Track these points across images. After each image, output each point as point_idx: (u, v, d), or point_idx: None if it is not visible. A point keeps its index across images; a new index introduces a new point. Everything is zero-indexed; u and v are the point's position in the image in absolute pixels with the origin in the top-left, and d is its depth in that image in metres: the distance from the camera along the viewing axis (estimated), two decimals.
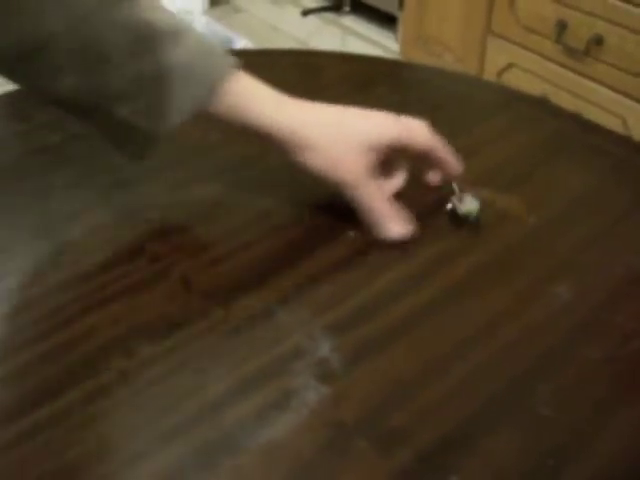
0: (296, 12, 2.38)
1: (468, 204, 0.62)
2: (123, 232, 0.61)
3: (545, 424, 0.47)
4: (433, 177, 0.63)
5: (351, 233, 0.60)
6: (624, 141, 0.77)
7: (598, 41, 1.58)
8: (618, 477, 0.44)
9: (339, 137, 0.58)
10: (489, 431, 0.46)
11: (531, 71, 1.76)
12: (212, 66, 0.57)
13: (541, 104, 0.83)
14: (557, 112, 0.83)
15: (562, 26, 1.64)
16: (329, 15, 2.29)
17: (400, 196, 0.63)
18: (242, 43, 1.39)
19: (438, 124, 0.63)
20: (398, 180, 0.63)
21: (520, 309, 0.55)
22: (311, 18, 2.29)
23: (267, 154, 0.69)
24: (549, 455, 0.45)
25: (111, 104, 0.55)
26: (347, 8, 2.23)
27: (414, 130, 0.60)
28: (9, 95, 0.82)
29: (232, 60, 0.58)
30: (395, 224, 0.59)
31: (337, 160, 0.58)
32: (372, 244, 0.60)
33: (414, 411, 0.47)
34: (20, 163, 0.71)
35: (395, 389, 0.48)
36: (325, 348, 0.50)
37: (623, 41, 1.54)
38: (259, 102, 0.58)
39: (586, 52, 1.61)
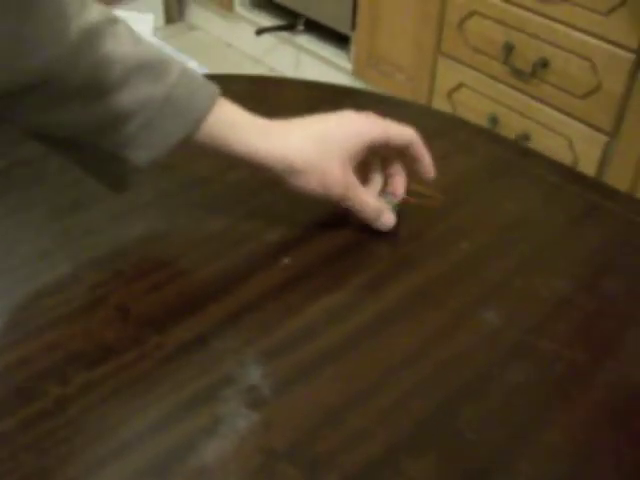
0: (251, 30, 2.39)
1: (387, 200, 0.64)
2: (61, 259, 0.61)
3: (469, 447, 0.48)
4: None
5: (285, 260, 0.62)
6: (559, 168, 0.79)
7: (544, 64, 1.61)
8: None
9: (325, 154, 0.59)
10: (415, 455, 0.47)
11: (480, 91, 1.78)
12: (196, 96, 0.57)
13: (480, 131, 0.85)
14: (495, 139, 0.85)
15: (509, 48, 1.66)
16: (283, 34, 2.30)
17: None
18: (191, 65, 1.39)
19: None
20: (379, 176, 0.65)
21: (449, 334, 0.56)
22: (265, 37, 2.30)
23: (204, 181, 0.71)
24: (472, 478, 0.46)
25: (96, 136, 0.56)
26: (301, 27, 2.24)
27: (392, 128, 0.62)
28: None
29: (215, 89, 0.59)
30: (386, 216, 0.62)
31: (326, 177, 0.59)
32: (306, 271, 0.61)
33: (342, 436, 0.48)
34: None
35: (324, 415, 0.49)
36: (256, 375, 0.51)
37: (567, 64, 1.57)
38: (244, 131, 0.59)
39: (532, 74, 1.64)
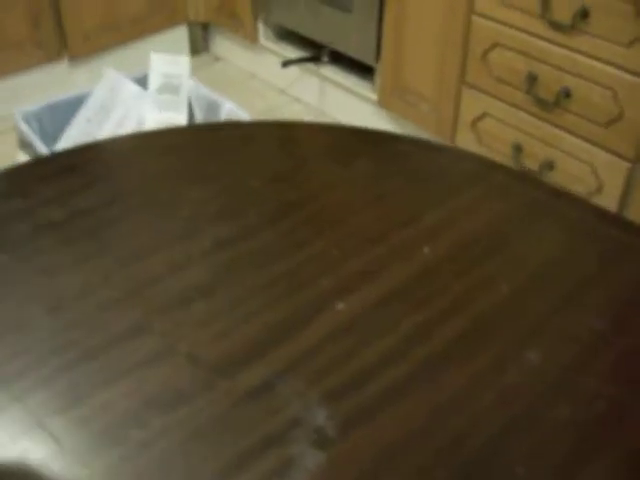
0: (275, 61, 2.45)
1: None
2: (130, 307, 0.66)
3: None
4: None
5: (339, 305, 0.66)
6: (592, 209, 0.83)
7: (567, 93, 1.65)
8: None
9: None
10: None
11: (504, 120, 1.82)
12: None
13: (515, 174, 0.89)
14: (530, 181, 0.90)
15: (532, 79, 1.71)
16: (308, 65, 2.36)
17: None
18: (227, 107, 1.44)
19: (416, 197, 0.69)
20: None
21: (494, 374, 0.60)
22: (290, 68, 2.36)
23: (258, 229, 0.75)
24: None
25: None
26: (326, 59, 2.29)
27: None
28: (7, 172, 0.88)
29: None
30: None
31: None
32: (358, 316, 0.65)
33: (402, 475, 0.52)
34: (29, 240, 0.76)
35: (385, 454, 0.54)
36: (321, 417, 0.56)
37: (590, 93, 1.62)
38: None
39: (556, 103, 1.68)
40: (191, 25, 2.76)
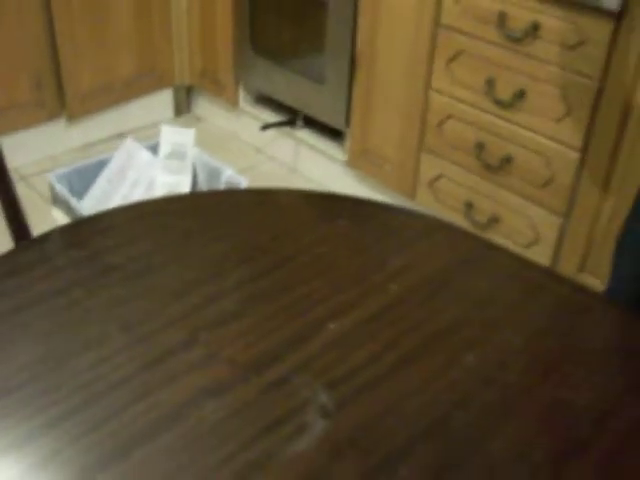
0: (253, 123, 2.72)
1: None
2: (180, 328, 0.92)
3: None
4: None
5: (331, 325, 0.93)
6: (515, 256, 1.10)
7: (508, 159, 1.95)
8: None
9: None
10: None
11: (457, 181, 2.11)
12: None
13: (456, 230, 1.17)
14: (467, 236, 1.17)
15: (480, 146, 2.00)
16: (285, 128, 2.64)
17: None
18: (227, 173, 1.71)
19: (381, 248, 0.97)
20: None
21: (443, 370, 0.87)
22: (269, 130, 2.64)
23: (268, 273, 1.02)
24: None
25: None
26: (301, 123, 2.57)
27: None
28: (66, 228, 1.13)
29: None
30: None
31: None
32: (346, 332, 0.92)
33: (381, 434, 0.79)
34: (96, 278, 1.02)
35: (368, 422, 0.80)
36: (324, 398, 0.82)
37: (527, 160, 1.91)
38: None
39: (500, 167, 1.98)
40: (176, 88, 3.03)
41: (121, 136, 2.88)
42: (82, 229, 1.16)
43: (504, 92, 1.89)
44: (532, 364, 0.90)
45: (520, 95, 1.86)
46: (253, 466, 0.75)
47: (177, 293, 0.98)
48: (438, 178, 2.14)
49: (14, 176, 2.36)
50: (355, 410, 0.82)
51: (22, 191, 1.97)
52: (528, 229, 1.97)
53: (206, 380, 0.85)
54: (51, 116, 2.69)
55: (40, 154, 2.73)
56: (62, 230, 1.17)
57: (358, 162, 2.37)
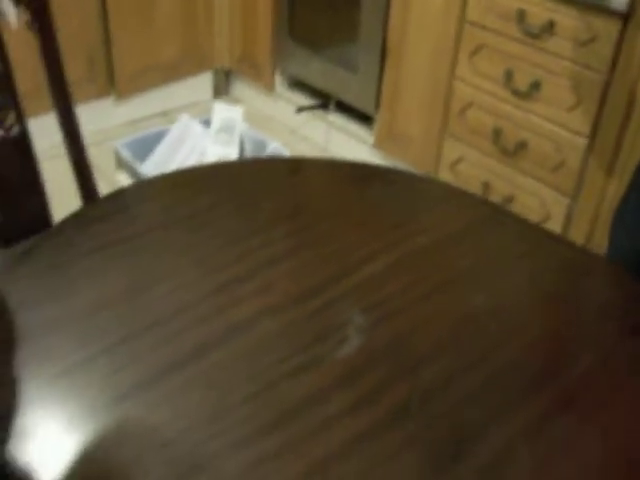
0: (288, 106, 2.92)
1: None
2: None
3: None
4: None
5: (365, 269, 1.13)
6: (523, 221, 1.30)
7: (523, 144, 2.14)
8: None
9: None
10: None
11: (476, 164, 2.30)
12: None
13: (473, 196, 1.36)
14: (483, 202, 1.37)
15: (498, 132, 2.19)
16: (318, 112, 2.84)
17: None
18: (272, 145, 1.91)
19: (410, 207, 1.17)
20: None
21: (443, 316, 1.07)
22: (302, 113, 2.83)
23: (311, 227, 1.22)
24: None
25: None
26: (333, 107, 2.76)
27: None
28: (140, 184, 1.34)
29: None
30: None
31: None
32: (370, 279, 1.12)
33: (404, 351, 0.99)
34: (166, 227, 1.22)
35: (394, 337, 1.00)
36: (360, 320, 1.02)
37: (540, 145, 2.10)
38: None
39: (515, 152, 2.17)
40: (216, 71, 3.24)
41: (163, 114, 3.09)
42: (152, 186, 1.37)
43: (521, 83, 2.08)
44: (534, 303, 1.10)
45: (536, 86, 2.05)
46: (302, 368, 0.96)
47: (236, 239, 1.19)
48: (458, 161, 2.33)
49: (61, 149, 2.58)
50: (385, 329, 1.02)
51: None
52: (539, 208, 2.15)
53: (264, 304, 1.05)
54: (101, 93, 2.90)
55: (89, 128, 2.93)
56: (135, 187, 1.37)
57: (385, 144, 2.57)
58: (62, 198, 1.57)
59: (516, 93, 2.09)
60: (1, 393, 0.90)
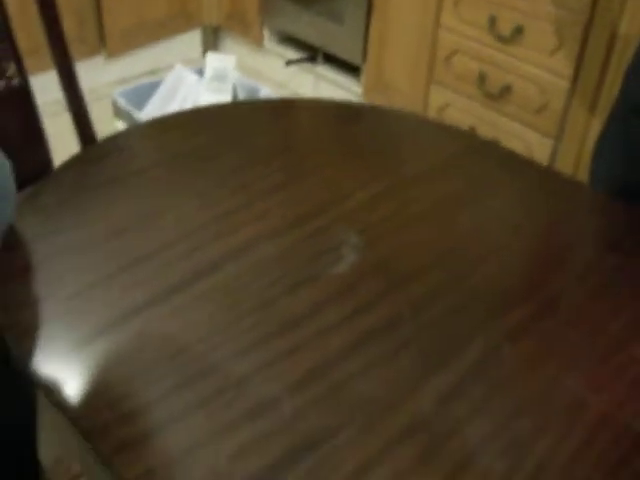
0: (277, 60, 2.97)
1: None
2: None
3: None
4: None
5: (357, 194, 1.20)
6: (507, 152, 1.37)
7: (508, 89, 2.20)
8: None
9: None
10: None
11: (462, 109, 2.36)
12: None
13: (457, 130, 1.43)
14: (466, 134, 1.44)
15: (483, 77, 2.25)
16: (305, 64, 2.88)
17: None
18: (264, 91, 1.97)
19: (398, 140, 1.23)
20: None
21: (453, 251, 1.14)
22: (290, 66, 2.88)
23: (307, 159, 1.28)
24: None
25: None
26: (321, 59, 2.82)
27: None
28: (144, 125, 1.40)
29: None
30: None
31: None
32: (370, 201, 1.19)
33: (394, 271, 1.06)
34: (169, 162, 1.28)
35: (384, 257, 1.07)
36: (355, 240, 1.09)
37: (524, 89, 2.16)
38: None
39: (500, 96, 2.23)
40: (204, 28, 3.27)
41: (153, 73, 3.13)
42: (149, 128, 1.43)
43: (504, 28, 2.14)
44: (515, 224, 1.17)
45: (519, 31, 2.10)
46: (300, 284, 1.03)
47: (234, 172, 1.25)
48: (445, 106, 2.39)
49: (58, 107, 2.62)
50: (377, 249, 1.09)
51: (67, 120, 2.22)
52: (524, 150, 2.22)
53: (261, 230, 1.12)
54: (92, 52, 2.93)
55: (81, 87, 2.97)
56: (133, 129, 1.43)
57: (373, 94, 2.62)
58: (62, 153, 1.62)
59: (500, 38, 2.15)
60: (23, 313, 0.96)
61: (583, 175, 2.07)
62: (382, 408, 0.86)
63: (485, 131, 2.28)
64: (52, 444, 1.12)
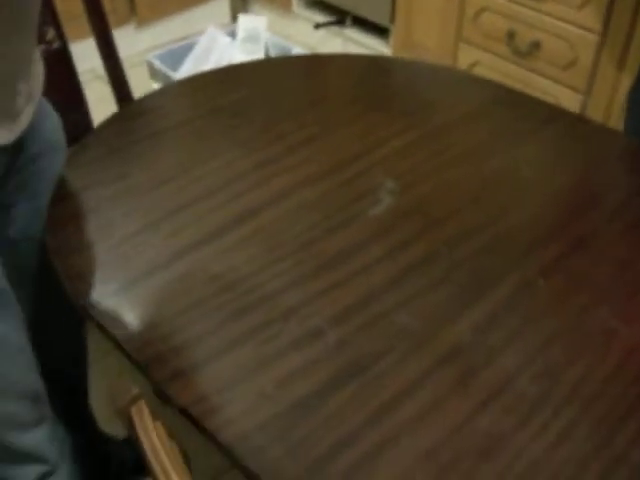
0: (306, 25, 2.99)
1: None
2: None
3: None
4: None
5: (392, 142, 1.23)
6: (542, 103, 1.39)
7: (536, 45, 2.21)
8: None
9: None
10: None
11: (491, 67, 2.37)
12: None
13: (481, 79, 1.46)
14: (491, 83, 1.46)
15: (511, 35, 2.26)
16: (334, 28, 2.91)
17: None
18: (296, 50, 2.00)
19: (428, 89, 1.26)
20: None
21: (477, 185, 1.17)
22: (319, 30, 2.91)
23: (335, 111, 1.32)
24: None
25: None
26: (349, 22, 2.84)
27: None
28: (185, 81, 1.44)
29: None
30: None
31: None
32: (398, 151, 1.22)
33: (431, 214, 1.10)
34: (206, 116, 1.32)
35: (423, 200, 1.11)
36: (392, 185, 1.13)
37: (553, 44, 2.17)
38: None
39: (528, 52, 2.24)
40: None
41: (184, 40, 3.16)
42: (186, 85, 1.47)
43: None
44: (547, 167, 1.20)
45: None
46: (340, 225, 1.07)
47: (271, 124, 1.29)
48: (474, 65, 2.41)
49: (90, 76, 2.67)
50: (413, 192, 1.13)
51: (99, 87, 2.27)
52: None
53: (302, 176, 1.16)
54: (122, 22, 2.97)
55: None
56: (171, 86, 1.47)
57: (402, 54, 2.64)
58: (97, 119, 1.67)
59: None
60: (75, 258, 1.01)
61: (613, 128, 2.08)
62: (421, 338, 0.90)
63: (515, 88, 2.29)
64: (103, 397, 1.18)
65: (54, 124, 1.16)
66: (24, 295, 1.10)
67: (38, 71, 1.06)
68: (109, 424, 1.49)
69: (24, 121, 1.01)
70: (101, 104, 1.66)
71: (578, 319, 0.94)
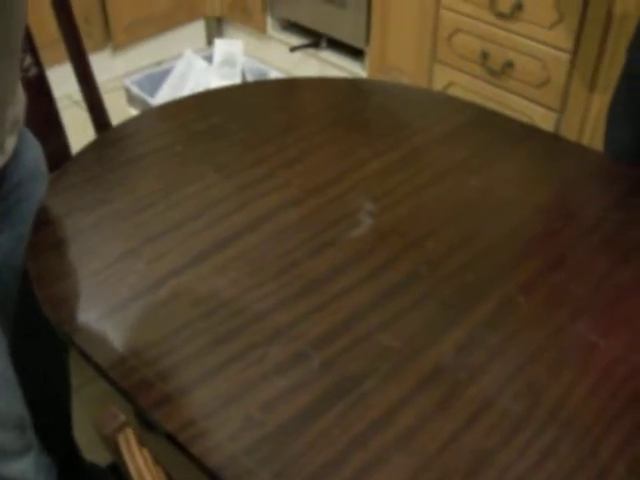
0: (281, 48, 3.01)
1: None
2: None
3: None
4: None
5: (372, 163, 1.24)
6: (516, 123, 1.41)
7: (510, 65, 2.24)
8: None
9: None
10: None
11: (466, 87, 2.40)
12: None
13: (463, 101, 1.47)
14: (473, 105, 1.48)
15: (485, 55, 2.29)
16: (309, 50, 2.93)
17: None
18: (273, 73, 2.01)
19: (408, 111, 1.28)
20: None
21: (451, 193, 1.19)
22: (295, 53, 2.92)
23: (328, 128, 1.33)
24: None
25: None
26: (324, 44, 2.86)
27: None
28: (161, 107, 1.45)
29: None
30: None
31: None
32: (390, 165, 1.23)
33: (409, 231, 1.11)
34: (196, 138, 1.33)
35: (398, 222, 1.12)
36: (371, 207, 1.14)
37: (526, 64, 2.20)
38: None
39: (502, 72, 2.27)
40: (207, 19, 3.31)
41: (159, 65, 3.17)
42: (164, 111, 1.47)
43: (504, 5, 2.18)
44: (523, 185, 1.22)
45: (518, 6, 2.14)
46: (321, 247, 1.08)
47: (251, 147, 1.30)
48: (449, 85, 2.43)
49: (67, 102, 2.67)
50: (392, 213, 1.14)
51: (75, 113, 2.27)
52: None
53: (284, 198, 1.17)
54: (98, 47, 2.98)
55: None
56: (148, 112, 1.48)
57: (378, 76, 2.66)
58: (75, 144, 1.67)
59: (500, 15, 2.19)
60: (57, 285, 1.01)
61: (586, 145, 2.11)
62: (404, 358, 0.91)
63: (489, 107, 2.32)
64: (86, 424, 1.17)
65: (36, 152, 1.16)
66: (6, 323, 1.10)
67: (21, 98, 1.06)
68: (92, 451, 1.48)
69: (8, 149, 1.01)
70: (79, 130, 1.66)
71: (558, 335, 0.95)
